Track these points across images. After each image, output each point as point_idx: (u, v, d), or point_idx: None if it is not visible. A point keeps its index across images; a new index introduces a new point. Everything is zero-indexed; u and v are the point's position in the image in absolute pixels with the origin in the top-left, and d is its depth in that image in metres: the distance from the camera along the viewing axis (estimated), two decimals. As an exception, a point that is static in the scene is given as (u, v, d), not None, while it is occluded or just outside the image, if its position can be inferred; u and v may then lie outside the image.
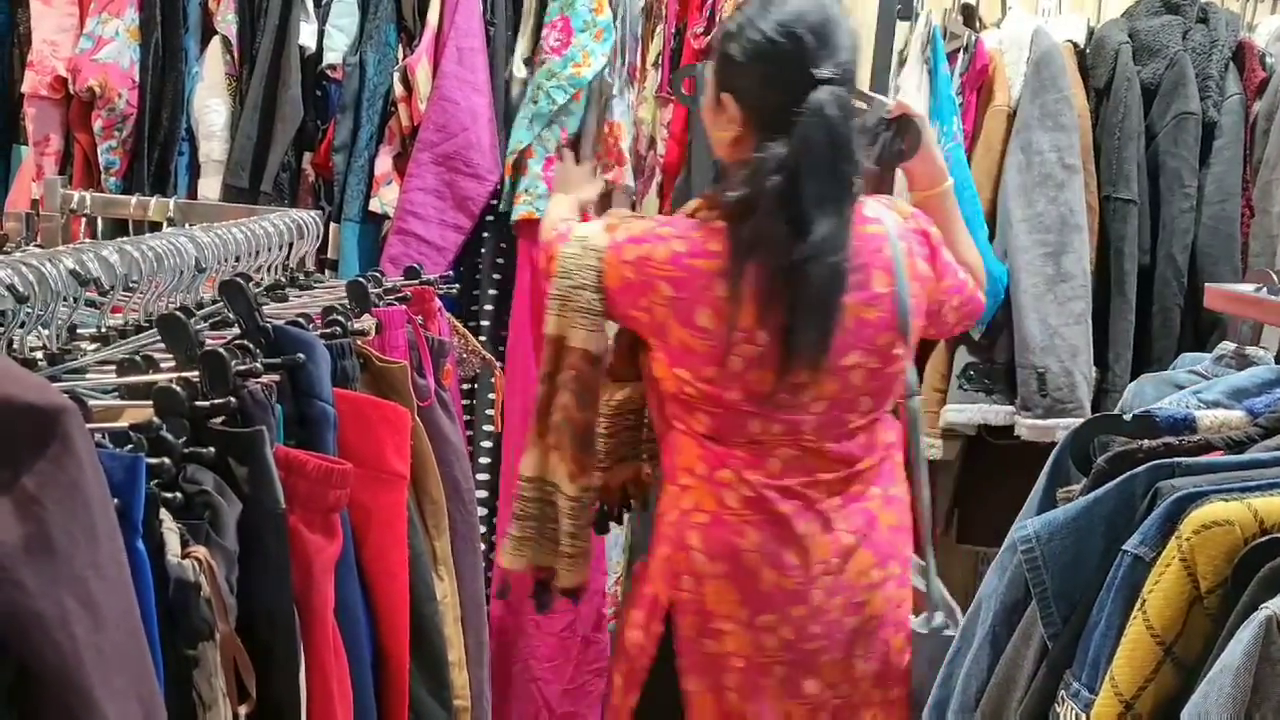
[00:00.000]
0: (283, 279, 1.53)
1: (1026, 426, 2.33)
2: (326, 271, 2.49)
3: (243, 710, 0.88)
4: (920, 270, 1.75)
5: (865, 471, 1.76)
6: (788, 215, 1.60)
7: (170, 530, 0.82)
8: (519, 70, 2.51)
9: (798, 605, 1.72)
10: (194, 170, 2.58)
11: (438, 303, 1.53)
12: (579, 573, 1.73)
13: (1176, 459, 1.19)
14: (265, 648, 0.90)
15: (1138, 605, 1.06)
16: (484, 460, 2.47)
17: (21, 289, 1.00)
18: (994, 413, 2.39)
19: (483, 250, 2.52)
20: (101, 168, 2.51)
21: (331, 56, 2.53)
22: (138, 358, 0.99)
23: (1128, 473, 1.19)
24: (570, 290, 1.69)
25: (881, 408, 1.77)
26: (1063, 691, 1.16)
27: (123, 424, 0.84)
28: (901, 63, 2.50)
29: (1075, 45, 2.50)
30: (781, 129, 1.59)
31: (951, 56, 2.47)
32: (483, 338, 2.47)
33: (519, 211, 2.44)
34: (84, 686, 0.64)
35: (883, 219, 1.72)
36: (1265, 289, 1.53)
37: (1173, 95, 2.43)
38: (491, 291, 2.52)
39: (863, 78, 2.74)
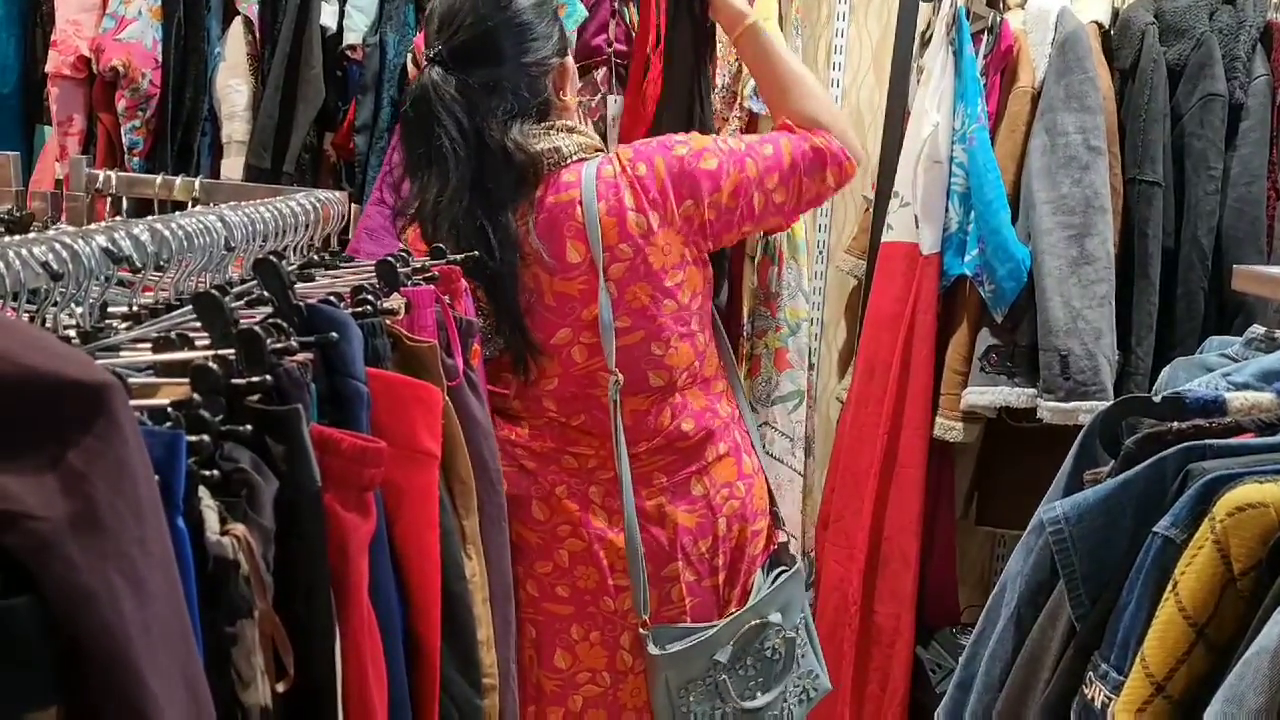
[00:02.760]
0: (314, 258, 1.53)
1: (1049, 409, 2.33)
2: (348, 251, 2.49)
3: (280, 687, 0.88)
4: (638, 224, 1.69)
5: (641, 454, 1.74)
6: (409, 178, 1.72)
7: (209, 507, 0.83)
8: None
9: (543, 561, 1.77)
10: (216, 150, 2.59)
11: (464, 282, 1.53)
12: None
13: (1207, 441, 1.19)
14: (302, 625, 0.91)
15: (1169, 587, 1.06)
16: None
17: (56, 267, 1.01)
18: (1015, 395, 2.38)
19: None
20: (125, 148, 2.53)
21: (352, 37, 2.53)
22: (173, 335, 0.99)
23: (1158, 455, 1.19)
24: None
25: (639, 385, 1.73)
26: (1090, 673, 1.16)
27: (163, 401, 0.84)
28: (925, 44, 2.48)
29: (1101, 26, 2.49)
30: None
31: (976, 38, 2.45)
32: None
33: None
34: (131, 663, 0.64)
35: (579, 183, 1.69)
36: (1295, 271, 1.52)
37: (1199, 76, 2.41)
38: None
39: (883, 61, 2.73)
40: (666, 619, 1.77)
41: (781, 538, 1.90)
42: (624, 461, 1.73)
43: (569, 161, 1.71)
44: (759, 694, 1.77)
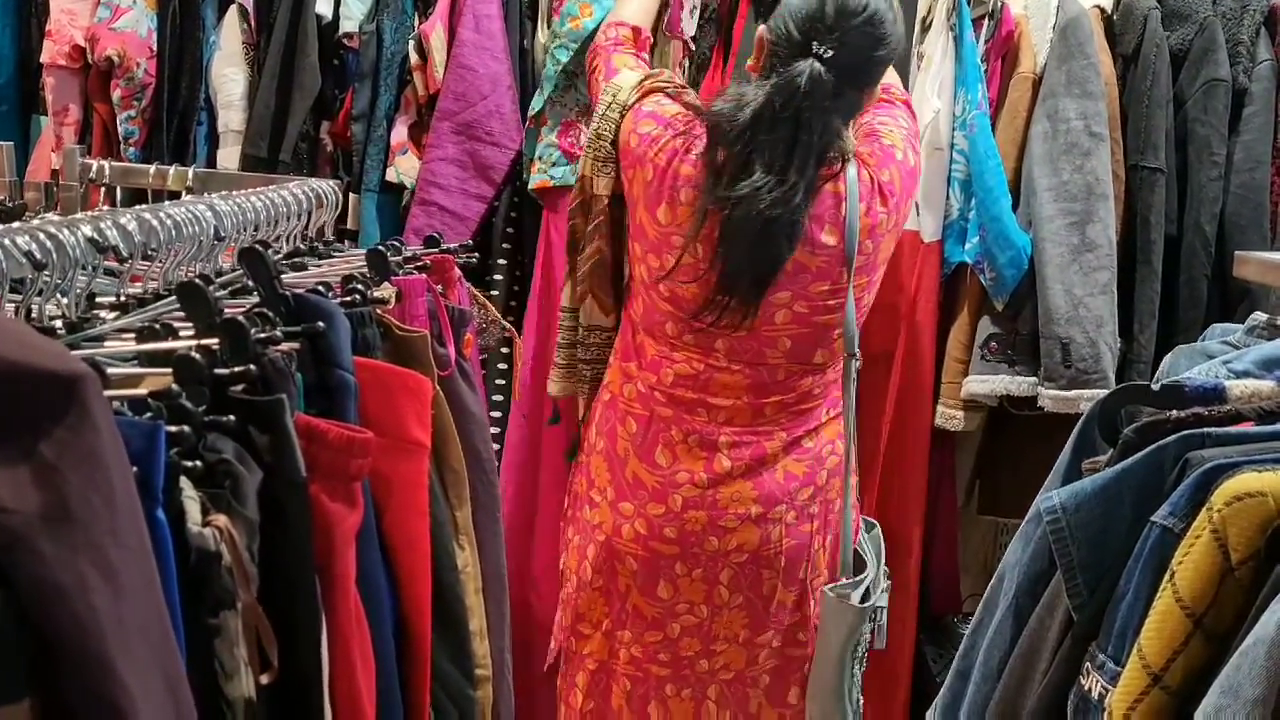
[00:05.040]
0: (301, 247, 1.52)
1: (1050, 398, 2.31)
2: (346, 242, 2.48)
3: (264, 679, 0.87)
4: (880, 227, 1.84)
5: (775, 411, 1.85)
6: (738, 156, 1.70)
7: (191, 498, 0.82)
8: (543, 36, 2.49)
9: (655, 504, 1.84)
10: (213, 140, 2.58)
11: (457, 272, 1.52)
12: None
13: (1206, 429, 1.17)
14: (287, 617, 0.90)
15: (1167, 577, 1.05)
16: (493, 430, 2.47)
17: (39, 256, 1.00)
18: (1017, 384, 2.36)
19: (494, 219, 2.51)
20: (120, 137, 2.52)
21: (348, 25, 2.52)
22: (156, 325, 0.98)
23: (1156, 443, 1.17)
24: (594, 137, 1.84)
25: (808, 356, 1.85)
26: (1088, 663, 1.15)
27: (142, 391, 0.83)
28: (926, 30, 2.46)
29: (1103, 10, 2.46)
30: (772, 77, 1.71)
31: (977, 23, 2.43)
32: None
33: (534, 180, 2.42)
34: (104, 656, 0.63)
35: (844, 180, 1.80)
36: (1297, 257, 1.50)
37: (1202, 61, 2.38)
38: (501, 261, 2.51)
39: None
40: (766, 556, 1.87)
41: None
42: (851, 432, 1.89)
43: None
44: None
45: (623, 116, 1.81)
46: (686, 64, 2.50)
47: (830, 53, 1.68)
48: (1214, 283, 2.38)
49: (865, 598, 1.87)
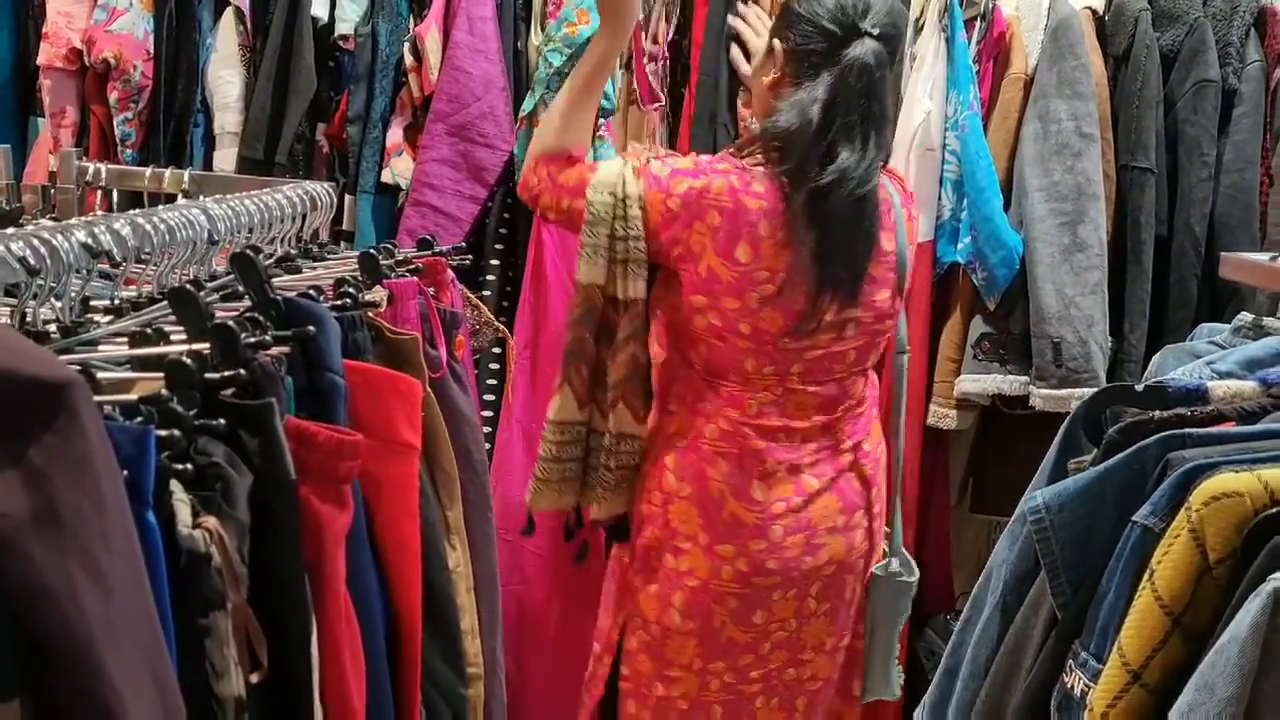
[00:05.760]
0: (293, 250, 1.53)
1: (1041, 397, 2.33)
2: (342, 243, 2.50)
3: (254, 678, 0.89)
4: (913, 228, 1.94)
5: (841, 421, 1.87)
6: (820, 149, 1.72)
7: (181, 501, 0.83)
8: (536, 38, 2.50)
9: (757, 540, 1.82)
10: (209, 141, 2.60)
11: (450, 274, 1.53)
12: (619, 503, 1.86)
13: (1188, 430, 1.18)
14: (277, 617, 0.91)
15: (1146, 576, 1.06)
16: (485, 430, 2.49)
17: (34, 262, 1.01)
18: (1008, 383, 2.38)
19: (487, 220, 2.52)
20: (117, 140, 2.53)
21: (343, 27, 2.53)
22: (149, 330, 1.00)
23: (1139, 443, 1.18)
24: (612, 241, 1.74)
25: (865, 361, 1.89)
26: (1071, 661, 1.16)
27: (133, 396, 0.84)
28: (918, 30, 2.47)
29: (1094, 12, 2.47)
30: (821, 72, 1.74)
31: (969, 24, 2.44)
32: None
33: (526, 182, 2.44)
34: (94, 658, 0.65)
35: (889, 186, 1.86)
36: (1280, 258, 1.51)
37: (1192, 62, 2.40)
38: (494, 262, 2.53)
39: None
40: (849, 563, 1.90)
41: None
42: (900, 425, 1.99)
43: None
44: None
45: (642, 204, 1.73)
46: (663, 130, 2.52)
47: (878, 29, 1.75)
48: (1204, 282, 2.40)
49: (910, 571, 1.98)
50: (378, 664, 1.11)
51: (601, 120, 2.41)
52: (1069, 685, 1.16)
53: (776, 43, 1.82)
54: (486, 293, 2.51)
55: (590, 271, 1.73)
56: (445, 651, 1.27)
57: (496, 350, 2.42)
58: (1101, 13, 2.49)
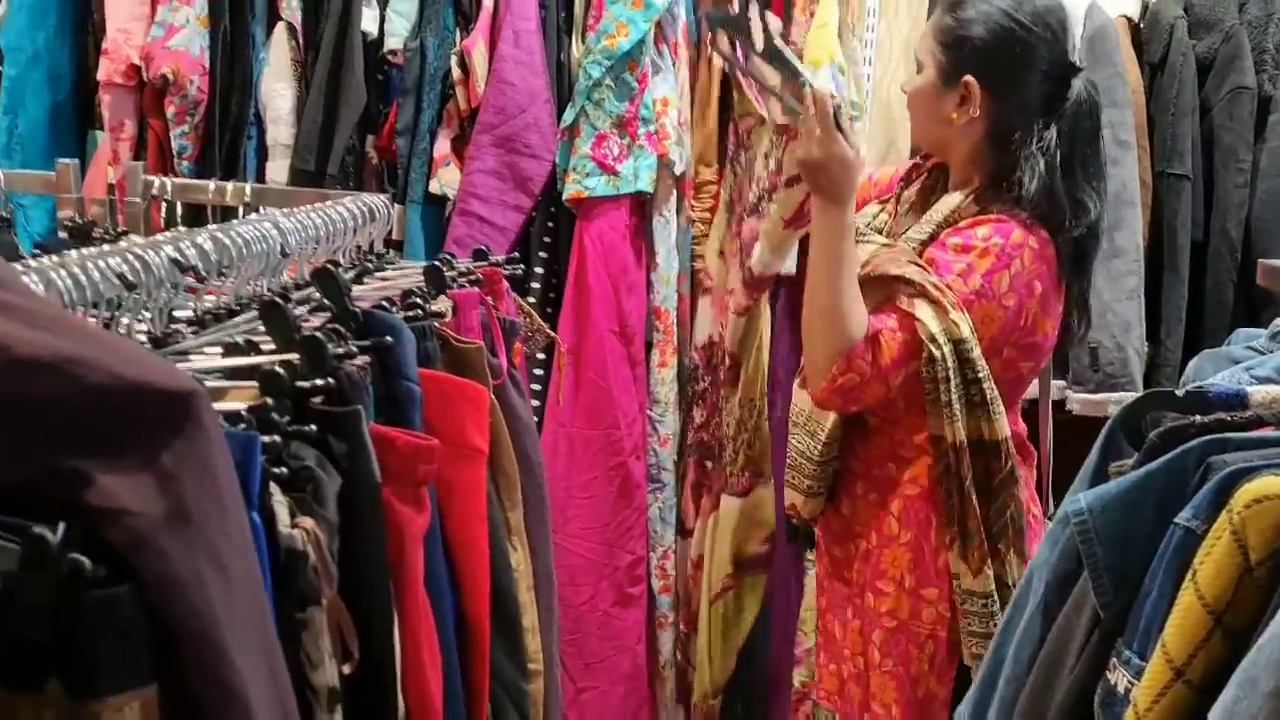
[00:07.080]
0: (357, 262, 1.59)
1: (1078, 401, 2.36)
2: (392, 251, 2.55)
3: (346, 669, 0.94)
4: None
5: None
6: (1070, 196, 1.72)
7: (280, 503, 0.89)
8: (576, 50, 2.55)
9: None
10: (262, 153, 2.66)
11: (505, 284, 1.59)
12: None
13: (1228, 434, 1.22)
14: (364, 612, 0.97)
15: (1189, 576, 1.10)
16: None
17: (130, 277, 1.07)
18: (1046, 387, 2.40)
19: (531, 228, 2.57)
20: (174, 152, 2.60)
21: (392, 42, 2.59)
22: (240, 341, 1.06)
23: (1180, 448, 1.21)
24: (955, 396, 1.67)
25: None
26: (1114, 659, 1.19)
27: (234, 404, 0.90)
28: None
29: (1130, 20, 2.51)
30: (1048, 113, 1.70)
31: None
32: (530, 315, 2.52)
33: (569, 190, 2.49)
34: (219, 641, 0.70)
35: None
36: (1318, 266, 1.54)
37: (1228, 69, 2.42)
38: (538, 269, 2.58)
39: (912, 56, 2.70)
40: None
41: None
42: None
43: None
44: None
45: (971, 342, 1.66)
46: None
47: (1079, 59, 1.79)
48: (1239, 288, 2.43)
49: None
50: (450, 659, 1.16)
51: (641, 130, 2.46)
52: (1113, 682, 1.19)
53: (968, 77, 1.71)
54: (530, 299, 2.56)
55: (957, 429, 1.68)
56: (509, 648, 1.32)
57: (540, 356, 2.47)
58: (1137, 21, 2.52)
